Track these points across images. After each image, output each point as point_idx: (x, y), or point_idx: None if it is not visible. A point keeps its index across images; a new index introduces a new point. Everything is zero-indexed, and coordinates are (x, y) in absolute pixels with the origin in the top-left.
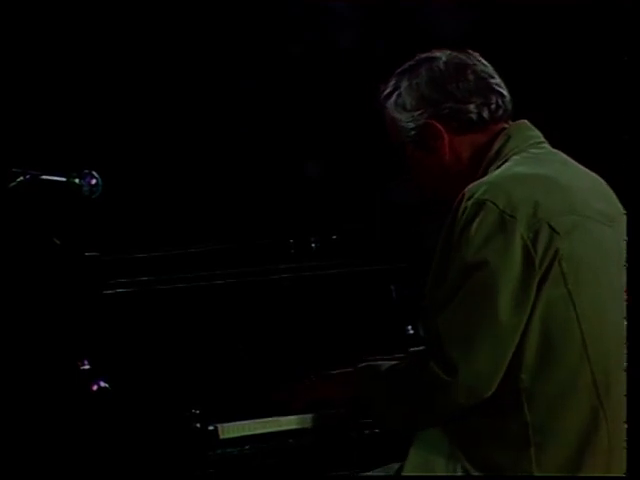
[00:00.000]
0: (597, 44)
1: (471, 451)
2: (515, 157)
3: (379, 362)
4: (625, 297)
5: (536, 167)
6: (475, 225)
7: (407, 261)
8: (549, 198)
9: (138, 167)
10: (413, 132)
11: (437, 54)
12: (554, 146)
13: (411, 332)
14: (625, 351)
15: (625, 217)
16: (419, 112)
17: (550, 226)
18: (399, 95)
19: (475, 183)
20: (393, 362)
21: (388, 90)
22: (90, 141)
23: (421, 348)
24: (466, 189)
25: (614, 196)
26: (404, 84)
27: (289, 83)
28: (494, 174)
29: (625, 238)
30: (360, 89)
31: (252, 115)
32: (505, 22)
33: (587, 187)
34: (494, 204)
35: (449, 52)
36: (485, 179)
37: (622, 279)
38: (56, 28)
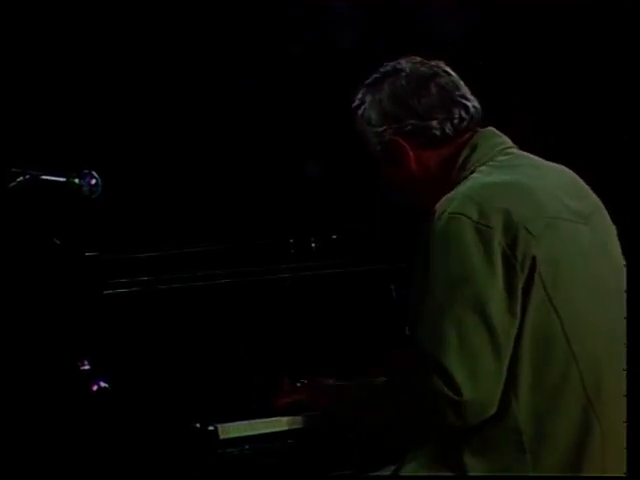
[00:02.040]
0: (597, 44)
1: (465, 460)
2: (482, 168)
3: (367, 382)
4: (617, 292)
5: (504, 175)
6: (452, 240)
7: (407, 261)
8: (520, 204)
9: (138, 167)
10: (379, 147)
11: (401, 65)
12: (552, 145)
13: (409, 333)
14: (616, 348)
15: (603, 210)
16: (383, 128)
17: (527, 229)
18: (364, 109)
19: (444, 199)
20: (384, 381)
21: (356, 103)
22: (90, 141)
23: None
24: (436, 206)
25: (588, 191)
26: (368, 98)
27: (289, 83)
28: (463, 187)
29: (608, 233)
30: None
31: (252, 115)
32: (505, 22)
33: (557, 187)
34: (468, 217)
35: (413, 62)
36: (454, 193)
37: (608, 273)
38: (56, 28)
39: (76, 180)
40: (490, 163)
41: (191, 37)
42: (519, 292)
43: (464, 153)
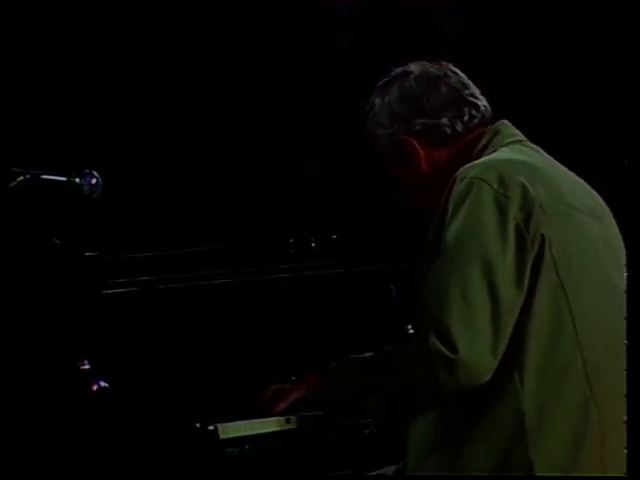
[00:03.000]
0: (597, 44)
1: (466, 438)
2: (503, 148)
3: (358, 356)
4: (620, 293)
5: (525, 157)
6: (470, 204)
7: (407, 261)
8: (539, 184)
9: (138, 167)
10: (390, 149)
11: (410, 68)
12: (553, 145)
13: (411, 332)
14: (618, 347)
15: (611, 216)
16: (393, 129)
17: (542, 208)
18: (374, 113)
19: (465, 167)
20: (376, 353)
21: (366, 107)
22: (90, 141)
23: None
24: (457, 172)
25: (599, 196)
26: (377, 102)
27: (289, 83)
28: (485, 158)
29: (615, 236)
30: (360, 89)
31: (252, 115)
32: (505, 22)
33: (573, 183)
34: (488, 184)
35: (422, 65)
36: (477, 162)
37: (614, 272)
38: (56, 28)
39: (76, 180)
40: (510, 146)
41: (191, 37)
42: (528, 267)
43: (485, 138)
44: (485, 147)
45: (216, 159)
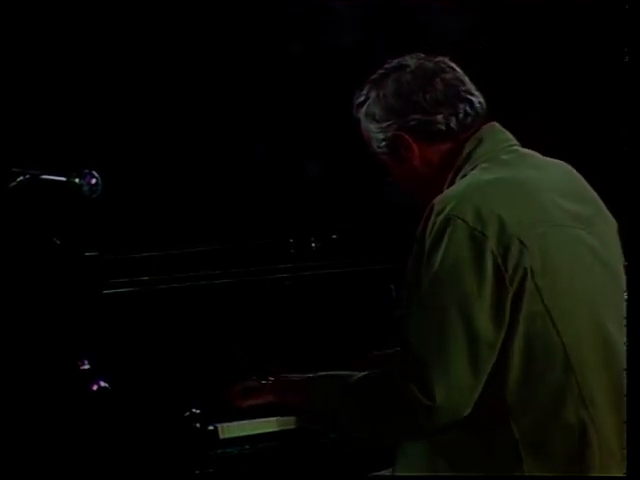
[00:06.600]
0: (597, 44)
1: (461, 470)
2: (484, 165)
3: (339, 373)
4: (615, 300)
5: (506, 174)
6: (445, 242)
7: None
8: (519, 209)
9: (138, 167)
10: (383, 142)
11: (406, 61)
12: (553, 145)
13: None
14: (611, 357)
15: (603, 211)
16: (387, 123)
17: (520, 241)
18: (368, 105)
19: (443, 195)
20: (359, 374)
21: (360, 99)
22: (90, 141)
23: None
24: (434, 201)
25: (588, 192)
26: (372, 94)
27: (289, 83)
28: (462, 184)
29: (607, 238)
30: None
31: (252, 115)
32: (505, 22)
33: (559, 190)
34: (463, 221)
35: (418, 59)
36: (453, 191)
37: (607, 281)
38: (56, 28)
39: (76, 180)
40: (493, 161)
41: (191, 37)
42: (508, 303)
43: (469, 146)
44: (468, 157)
45: (216, 159)
